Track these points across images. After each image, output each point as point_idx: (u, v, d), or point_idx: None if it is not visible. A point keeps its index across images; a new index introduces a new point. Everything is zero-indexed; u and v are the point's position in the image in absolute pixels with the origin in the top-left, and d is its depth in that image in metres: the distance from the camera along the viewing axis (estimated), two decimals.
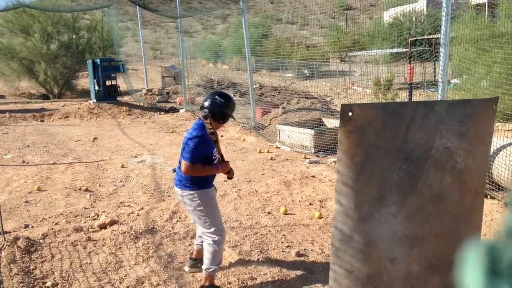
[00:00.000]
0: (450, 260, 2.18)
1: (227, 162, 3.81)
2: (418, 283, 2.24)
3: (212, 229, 3.66)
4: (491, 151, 5.96)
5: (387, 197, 2.09)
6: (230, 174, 3.89)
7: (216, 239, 3.65)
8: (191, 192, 3.65)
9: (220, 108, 3.66)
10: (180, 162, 3.71)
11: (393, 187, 2.09)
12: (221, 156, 3.78)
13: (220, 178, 7.14)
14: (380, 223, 2.10)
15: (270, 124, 12.06)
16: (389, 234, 2.12)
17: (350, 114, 1.99)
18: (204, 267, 3.72)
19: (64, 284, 3.93)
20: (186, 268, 4.16)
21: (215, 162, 3.72)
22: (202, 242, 4.01)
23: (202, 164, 3.59)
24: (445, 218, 2.24)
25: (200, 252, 4.09)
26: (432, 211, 2.19)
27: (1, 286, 3.79)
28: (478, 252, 0.53)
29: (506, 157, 5.62)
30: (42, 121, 15.54)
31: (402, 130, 2.06)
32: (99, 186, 7.30)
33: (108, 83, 17.96)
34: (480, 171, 2.33)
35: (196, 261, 4.12)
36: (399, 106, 2.28)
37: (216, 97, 3.70)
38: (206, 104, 3.67)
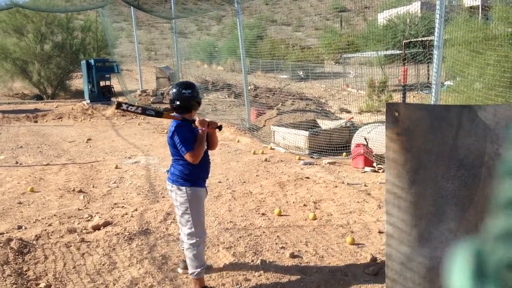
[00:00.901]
0: None
1: (200, 119, 3.66)
2: None
3: (193, 229, 3.64)
4: None
5: (445, 211, 1.88)
6: (212, 125, 3.71)
7: (195, 241, 3.64)
8: (181, 187, 3.65)
9: (189, 100, 3.67)
10: (172, 159, 3.75)
11: (450, 198, 1.88)
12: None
13: (214, 179, 7.16)
14: (440, 243, 1.86)
15: (264, 126, 12.07)
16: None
17: (396, 114, 1.84)
18: (189, 272, 3.74)
19: (57, 286, 3.91)
20: (180, 270, 4.16)
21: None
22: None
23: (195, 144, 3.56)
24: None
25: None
26: None
27: None
28: (466, 255, 0.53)
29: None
30: (36, 121, 15.46)
31: (451, 134, 1.89)
32: (93, 187, 7.27)
33: (102, 83, 17.91)
34: None
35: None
36: (443, 109, 2.06)
37: (183, 91, 3.67)
38: (178, 102, 3.66)
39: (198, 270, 3.68)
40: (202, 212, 3.79)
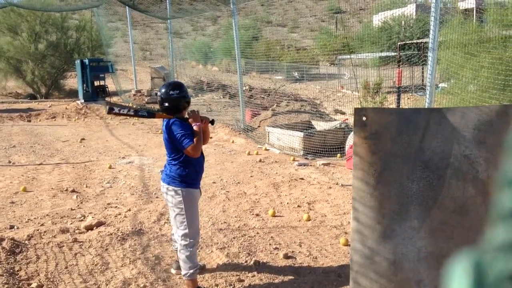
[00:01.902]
0: None
1: (193, 112, 3.66)
2: None
3: (187, 230, 3.62)
4: None
5: (408, 210, 1.97)
6: (204, 119, 3.71)
7: (188, 242, 3.62)
8: (176, 188, 3.62)
9: (178, 99, 3.67)
10: (167, 159, 3.73)
11: (414, 198, 1.97)
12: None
13: (209, 180, 7.14)
14: (403, 239, 1.97)
15: (259, 126, 12.06)
16: (413, 252, 1.98)
17: (364, 119, 1.90)
18: (182, 273, 3.71)
19: (49, 286, 3.88)
20: (173, 270, 4.14)
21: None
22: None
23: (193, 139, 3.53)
24: (470, 233, 2.06)
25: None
26: (457, 225, 2.03)
27: None
28: (465, 266, 0.52)
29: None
30: (29, 121, 15.37)
31: (418, 137, 1.97)
32: (86, 187, 7.23)
33: (96, 83, 17.84)
34: None
35: None
36: (412, 112, 2.15)
37: (171, 92, 3.66)
38: (166, 104, 3.66)
39: (191, 271, 3.66)
40: (196, 214, 3.77)
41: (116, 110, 3.72)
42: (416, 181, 1.98)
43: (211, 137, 3.86)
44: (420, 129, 1.97)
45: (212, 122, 3.86)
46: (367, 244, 1.97)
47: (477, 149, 2.01)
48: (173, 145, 3.61)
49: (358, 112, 1.92)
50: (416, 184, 1.98)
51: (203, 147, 3.75)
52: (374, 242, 1.97)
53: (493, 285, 0.48)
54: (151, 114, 3.85)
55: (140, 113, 3.83)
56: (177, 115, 3.66)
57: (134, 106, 3.71)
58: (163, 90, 3.71)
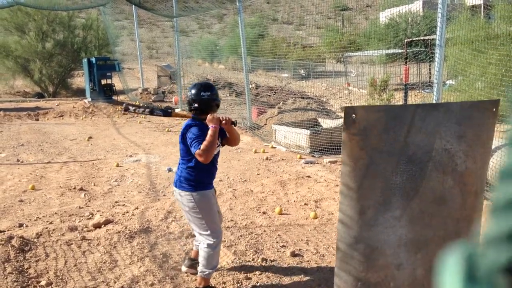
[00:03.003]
0: None
1: (211, 116, 3.49)
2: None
3: (208, 232, 3.56)
4: None
5: (391, 201, 2.10)
6: (226, 121, 3.55)
7: (212, 242, 3.56)
8: (188, 193, 3.55)
9: (209, 102, 3.63)
10: (180, 161, 3.68)
11: (396, 190, 2.10)
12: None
13: (215, 178, 7.14)
14: (385, 228, 2.10)
15: (265, 124, 12.06)
16: (394, 239, 2.13)
17: (353, 116, 1.98)
18: (199, 269, 3.67)
19: (58, 283, 3.91)
20: (183, 268, 4.11)
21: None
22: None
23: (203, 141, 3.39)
24: (448, 221, 2.26)
25: (198, 252, 4.08)
26: (435, 214, 2.21)
27: None
28: (457, 258, 0.53)
29: (501, 158, 5.64)
30: (37, 119, 15.47)
31: (403, 132, 2.07)
32: (94, 185, 7.28)
33: (103, 82, 17.91)
34: (480, 173, 2.34)
35: (194, 261, 4.07)
36: (400, 109, 2.27)
37: (202, 93, 3.61)
38: (196, 105, 3.62)
39: (210, 270, 3.64)
40: (214, 214, 3.66)
41: (132, 109, 3.73)
42: (400, 174, 2.09)
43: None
44: (405, 124, 2.07)
45: (235, 123, 3.70)
46: (351, 233, 2.08)
47: (457, 143, 2.16)
48: (186, 148, 3.53)
49: (348, 111, 2.01)
50: (399, 177, 2.09)
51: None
52: (358, 231, 2.09)
53: (485, 278, 0.49)
54: (167, 114, 3.84)
55: (155, 112, 3.83)
56: (203, 116, 3.53)
57: (150, 106, 3.73)
58: (194, 91, 3.63)
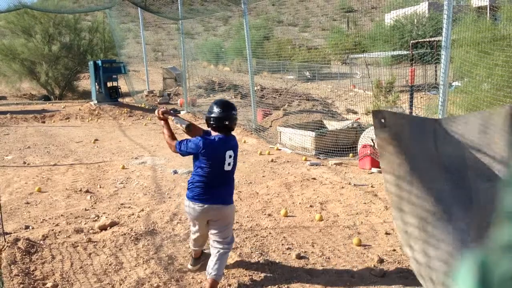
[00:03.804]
0: None
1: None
2: None
3: (233, 237, 3.93)
4: None
5: (449, 211, 1.96)
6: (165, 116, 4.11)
7: (231, 246, 3.91)
8: (232, 204, 3.89)
9: (236, 120, 3.86)
10: (231, 178, 3.86)
11: (451, 199, 1.97)
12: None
13: None
14: (453, 241, 1.93)
15: (271, 126, 12.06)
16: (465, 253, 1.95)
17: (383, 120, 1.90)
18: (211, 272, 3.67)
19: (64, 285, 3.92)
20: (189, 266, 4.19)
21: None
22: (202, 244, 4.11)
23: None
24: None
25: (199, 251, 4.17)
26: (490, 223, 2.05)
27: (2, 287, 3.79)
28: (471, 265, 0.52)
29: None
30: (43, 122, 15.55)
31: (431, 143, 2.01)
32: (100, 187, 7.30)
33: (109, 84, 17.97)
34: None
35: (198, 259, 4.18)
36: (421, 121, 2.20)
37: (233, 112, 3.81)
38: (227, 123, 3.78)
39: (221, 274, 3.75)
40: (195, 228, 3.91)
41: (175, 120, 3.99)
42: (446, 182, 1.98)
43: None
44: (431, 136, 2.01)
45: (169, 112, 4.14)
46: (416, 249, 1.91)
47: (486, 150, 2.05)
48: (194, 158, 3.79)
49: (376, 114, 1.93)
50: (447, 186, 1.98)
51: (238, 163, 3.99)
52: (423, 248, 1.92)
53: (498, 285, 0.48)
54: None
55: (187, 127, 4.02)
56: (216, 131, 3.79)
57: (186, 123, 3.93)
58: (228, 111, 3.77)
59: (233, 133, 3.89)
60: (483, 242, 1.86)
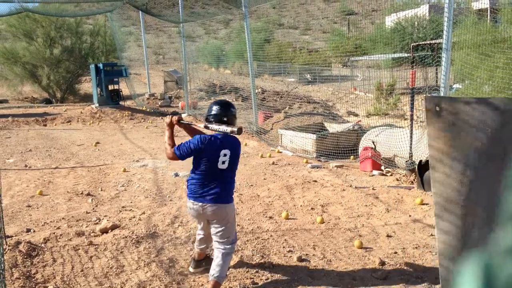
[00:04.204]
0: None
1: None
2: None
3: (235, 237, 3.91)
4: None
5: (500, 221, 1.65)
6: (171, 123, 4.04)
7: (234, 247, 3.89)
8: (231, 204, 3.84)
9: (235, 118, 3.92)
10: (228, 176, 3.81)
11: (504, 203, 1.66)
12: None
13: None
14: (498, 252, 1.62)
15: (272, 129, 12.06)
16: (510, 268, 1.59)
17: (437, 108, 1.64)
18: (214, 274, 3.68)
19: None
20: (191, 269, 4.17)
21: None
22: (203, 247, 4.11)
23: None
24: None
25: (202, 254, 4.17)
26: None
27: None
28: (474, 269, 0.52)
29: None
30: (45, 125, 15.57)
31: (508, 129, 1.62)
32: (101, 190, 7.30)
33: (110, 87, 18.01)
34: None
35: (200, 262, 4.17)
36: (501, 101, 1.76)
37: (232, 109, 3.91)
38: (225, 119, 3.83)
39: (224, 276, 3.75)
40: (200, 226, 3.99)
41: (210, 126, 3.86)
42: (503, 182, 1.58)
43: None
44: (509, 120, 1.62)
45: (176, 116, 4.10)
46: (456, 260, 1.65)
47: None
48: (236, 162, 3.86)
49: (430, 101, 1.65)
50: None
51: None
52: (463, 257, 1.63)
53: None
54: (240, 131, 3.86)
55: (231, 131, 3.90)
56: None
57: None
58: (226, 109, 3.85)
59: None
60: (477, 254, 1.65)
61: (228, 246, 3.77)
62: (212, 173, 3.72)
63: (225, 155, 3.71)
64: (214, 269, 3.70)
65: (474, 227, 1.63)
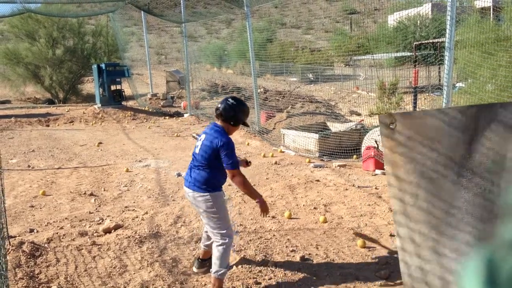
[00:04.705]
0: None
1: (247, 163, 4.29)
2: None
3: (224, 231, 3.75)
4: None
5: (460, 223, 1.70)
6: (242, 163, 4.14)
7: (227, 241, 3.74)
8: (204, 194, 3.71)
9: (232, 110, 3.80)
10: (195, 165, 3.80)
11: (465, 209, 1.71)
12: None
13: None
14: (457, 256, 1.72)
15: (274, 129, 12.06)
16: (472, 269, 1.67)
17: (392, 126, 1.69)
18: (213, 270, 3.75)
19: None
20: (195, 269, 4.19)
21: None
22: (209, 243, 4.08)
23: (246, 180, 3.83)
24: None
25: (207, 252, 4.16)
26: None
27: None
28: (477, 264, 0.52)
29: None
30: (48, 125, 15.60)
31: (463, 140, 1.71)
32: (104, 190, 7.31)
33: (113, 87, 18.03)
34: None
35: (204, 261, 4.19)
36: (458, 112, 1.83)
37: (229, 99, 3.85)
38: (220, 106, 3.82)
39: (223, 270, 3.73)
40: (227, 213, 3.90)
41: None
42: (465, 190, 1.71)
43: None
44: (467, 130, 1.70)
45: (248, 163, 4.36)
46: (416, 264, 1.74)
47: None
48: (212, 155, 3.69)
49: (383, 120, 1.69)
50: (465, 194, 1.71)
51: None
52: (423, 261, 1.75)
53: (506, 282, 0.48)
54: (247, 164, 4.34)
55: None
56: (231, 128, 3.85)
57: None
58: (224, 99, 3.88)
59: (235, 134, 3.91)
60: (490, 255, 1.63)
61: (217, 239, 3.75)
62: (193, 159, 3.88)
63: (200, 139, 3.83)
64: (213, 266, 3.76)
65: (431, 232, 1.70)
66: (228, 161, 3.65)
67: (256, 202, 3.85)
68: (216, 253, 3.74)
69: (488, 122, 1.69)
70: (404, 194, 1.73)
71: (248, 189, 3.81)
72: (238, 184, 3.73)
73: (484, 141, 1.69)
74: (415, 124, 1.72)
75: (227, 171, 3.71)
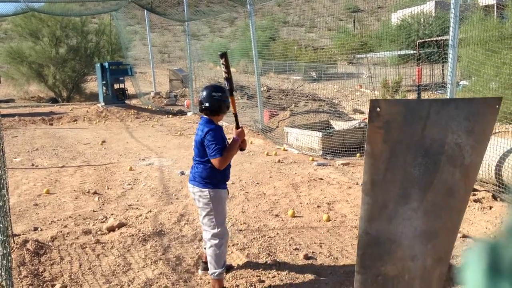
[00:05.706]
0: (452, 253, 2.38)
1: (241, 128, 3.88)
2: (430, 277, 2.34)
3: (216, 230, 3.71)
4: (502, 153, 5.91)
5: (410, 193, 2.18)
6: (243, 143, 3.88)
7: (218, 241, 3.70)
8: (203, 189, 3.70)
9: (217, 102, 3.78)
10: (195, 159, 3.80)
11: (414, 183, 2.17)
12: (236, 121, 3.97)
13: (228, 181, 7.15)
14: (403, 220, 2.18)
15: (277, 127, 12.05)
16: (410, 231, 2.21)
17: (378, 109, 2.00)
18: (210, 272, 3.77)
19: (73, 286, 3.94)
20: (200, 271, 4.18)
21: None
22: None
23: (226, 150, 3.67)
24: (453, 212, 2.37)
25: None
26: (444, 206, 2.30)
27: None
28: (480, 251, 0.52)
29: None
30: (51, 124, 15.65)
31: (420, 126, 2.12)
32: (108, 189, 7.33)
33: (116, 86, 18.06)
34: (479, 167, 2.45)
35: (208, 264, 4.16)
36: (417, 103, 2.34)
37: (214, 94, 3.79)
38: (207, 104, 3.78)
39: (219, 270, 3.72)
40: (224, 214, 3.87)
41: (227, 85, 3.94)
42: (417, 166, 2.15)
43: (229, 138, 3.91)
44: (422, 118, 2.11)
45: (243, 149, 3.94)
46: (373, 227, 2.14)
47: (466, 138, 2.24)
48: (202, 148, 3.69)
49: (373, 104, 2.02)
50: (417, 170, 2.15)
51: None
52: (379, 225, 2.15)
53: (508, 269, 0.48)
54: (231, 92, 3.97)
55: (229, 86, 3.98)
56: (214, 117, 3.79)
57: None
58: (206, 92, 3.83)
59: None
60: (427, 219, 2.21)
61: (211, 237, 3.72)
62: (194, 155, 3.88)
63: (196, 134, 3.83)
64: (209, 267, 3.78)
65: (390, 201, 2.14)
66: (210, 152, 3.59)
67: (236, 141, 3.76)
68: (209, 254, 3.74)
69: (436, 113, 2.13)
70: (377, 169, 2.08)
71: (231, 153, 3.72)
72: (224, 165, 3.64)
73: (433, 128, 2.14)
74: (392, 110, 2.06)
75: (211, 161, 3.62)
